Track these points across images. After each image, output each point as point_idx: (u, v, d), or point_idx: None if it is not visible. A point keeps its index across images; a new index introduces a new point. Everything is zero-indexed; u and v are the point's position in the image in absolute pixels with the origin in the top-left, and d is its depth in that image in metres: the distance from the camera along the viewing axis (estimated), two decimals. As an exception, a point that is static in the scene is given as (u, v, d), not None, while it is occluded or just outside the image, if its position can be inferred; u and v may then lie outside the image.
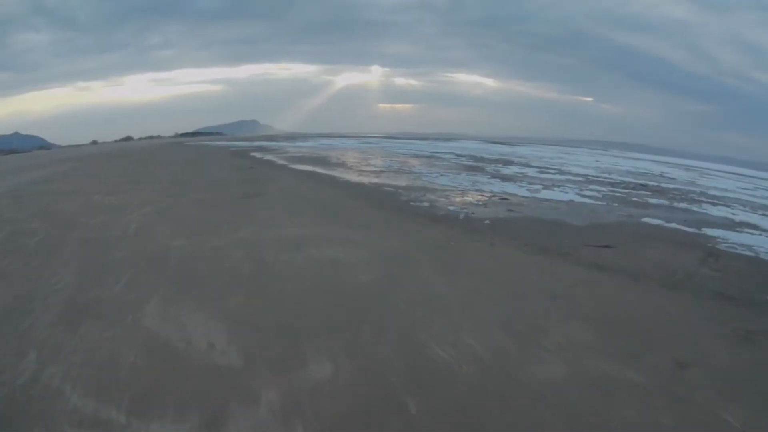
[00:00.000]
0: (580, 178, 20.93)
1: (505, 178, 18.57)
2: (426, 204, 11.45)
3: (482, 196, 13.25)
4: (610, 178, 21.98)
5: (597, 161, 35.05)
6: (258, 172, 17.02)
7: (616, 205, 13.50)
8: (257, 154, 28.24)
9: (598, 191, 16.59)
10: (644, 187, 19.07)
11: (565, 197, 14.19)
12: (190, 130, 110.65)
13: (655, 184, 20.96)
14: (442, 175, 17.93)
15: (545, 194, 14.66)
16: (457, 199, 12.42)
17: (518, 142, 71.10)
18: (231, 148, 37.98)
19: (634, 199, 15.11)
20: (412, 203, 11.53)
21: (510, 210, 11.21)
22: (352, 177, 16.59)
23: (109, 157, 28.80)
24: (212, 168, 19.54)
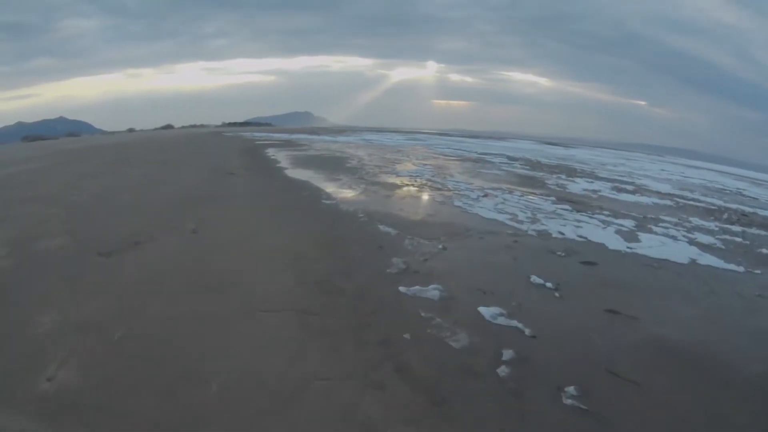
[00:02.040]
0: (668, 202, 15.53)
1: (575, 202, 12.75)
2: (430, 297, 5.28)
3: (550, 254, 7.56)
4: (698, 201, 17.09)
5: (663, 170, 31.80)
6: (231, 182, 12.29)
7: (758, 272, 7.82)
8: (271, 151, 23.80)
9: (708, 230, 11.10)
10: (746, 216, 14.71)
11: (677, 251, 8.35)
12: (241, 120, 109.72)
13: (751, 210, 16.56)
14: (484, 196, 12.40)
15: (646, 242, 8.85)
16: (501, 283, 6.14)
17: (572, 143, 67.30)
18: (256, 141, 34.12)
19: (763, 249, 9.47)
20: (400, 293, 5.33)
21: (612, 311, 5.39)
22: (349, 195, 11.47)
23: (111, 149, 25.49)
24: (192, 168, 15.25)
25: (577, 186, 17.03)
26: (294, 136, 48.15)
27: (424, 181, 14.42)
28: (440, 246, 7.07)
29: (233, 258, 6.12)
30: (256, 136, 47.50)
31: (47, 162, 15.99)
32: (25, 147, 30.66)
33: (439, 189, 13.07)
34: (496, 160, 27.15)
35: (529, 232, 8.54)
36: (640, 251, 8.19)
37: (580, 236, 8.74)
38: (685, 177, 28.29)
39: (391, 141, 46.20)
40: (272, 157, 20.02)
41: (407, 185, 13.44)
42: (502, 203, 11.42)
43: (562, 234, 8.73)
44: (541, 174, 20.51)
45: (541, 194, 13.81)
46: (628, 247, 8.36)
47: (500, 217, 9.54)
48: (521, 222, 9.34)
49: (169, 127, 73.70)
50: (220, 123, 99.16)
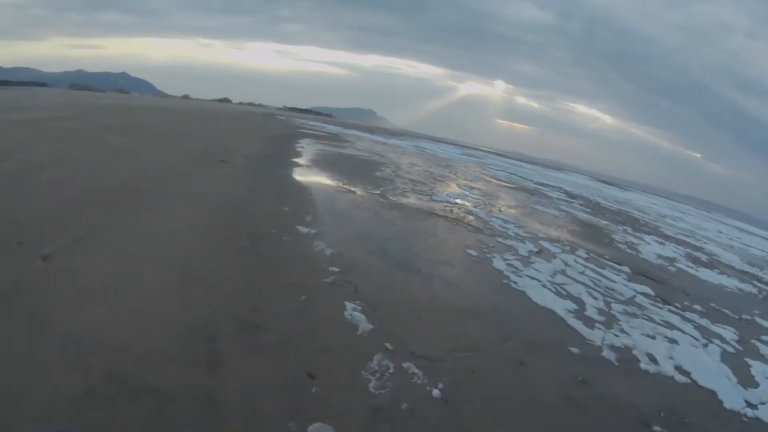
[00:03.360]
0: (751, 288, 11.78)
1: (656, 281, 9.01)
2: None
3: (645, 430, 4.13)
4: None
5: (720, 233, 29.51)
6: (204, 174, 9.18)
7: None
8: (304, 142, 21.13)
9: None
10: None
11: None
12: (304, 106, 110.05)
13: None
14: (538, 252, 8.80)
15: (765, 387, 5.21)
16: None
17: (626, 185, 64.85)
18: (299, 129, 31.84)
19: None
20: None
21: None
22: (345, 220, 8.31)
23: (139, 112, 23.94)
24: (185, 148, 12.81)
25: (649, 249, 13.18)
26: (346, 131, 45.89)
27: (464, 214, 11.01)
28: (438, 393, 3.64)
29: (62, 329, 3.14)
30: (306, 124, 45.79)
31: (41, 114, 14.03)
32: (57, 94, 30.06)
33: (480, 230, 9.61)
34: (554, 194, 23.18)
35: (605, 355, 4.95)
36: (764, 414, 4.55)
37: (679, 368, 5.11)
38: (745, 245, 25.26)
39: (445, 153, 42.72)
40: (297, 150, 17.29)
41: (438, 216, 10.08)
42: (562, 272, 7.81)
43: (654, 361, 5.12)
44: (605, 223, 16.60)
45: (611, 259, 10.07)
46: (747, 403, 4.72)
47: (558, 307, 5.98)
48: (590, 323, 5.75)
49: (226, 100, 73.49)
50: (281, 106, 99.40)
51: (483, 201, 14.03)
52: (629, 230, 16.45)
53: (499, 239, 9.14)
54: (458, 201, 12.80)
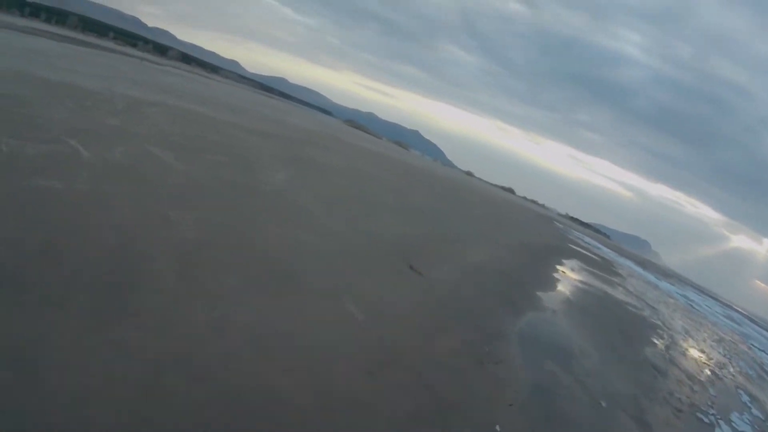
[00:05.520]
0: None
1: None
2: None
3: None
4: None
5: None
6: (386, 285, 7.43)
7: None
8: (567, 265, 19.07)
9: None
10: None
11: None
12: (585, 219, 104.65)
13: None
14: None
15: None
16: None
17: None
18: (569, 244, 29.38)
19: None
20: None
21: None
22: None
23: (416, 175, 26.65)
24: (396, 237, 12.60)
25: None
26: (619, 259, 40.11)
27: None
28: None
29: None
30: (581, 239, 42.49)
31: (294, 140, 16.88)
32: (339, 128, 36.19)
33: None
34: None
35: None
36: None
37: None
38: None
39: (711, 312, 31.98)
40: (553, 275, 15.37)
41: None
42: None
43: None
44: None
45: None
46: None
47: None
48: None
49: (509, 190, 75.82)
50: (563, 213, 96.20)
51: None
52: None
53: None
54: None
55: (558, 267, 17.59)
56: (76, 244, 5.01)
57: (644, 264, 51.50)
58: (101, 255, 4.98)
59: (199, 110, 20.62)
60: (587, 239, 53.01)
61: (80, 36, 68.67)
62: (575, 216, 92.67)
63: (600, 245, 51.01)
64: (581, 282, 16.51)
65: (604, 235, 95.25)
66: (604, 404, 6.56)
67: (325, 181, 14.94)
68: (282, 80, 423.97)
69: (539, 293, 11.48)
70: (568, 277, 16.33)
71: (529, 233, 25.13)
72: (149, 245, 5.56)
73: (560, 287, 13.85)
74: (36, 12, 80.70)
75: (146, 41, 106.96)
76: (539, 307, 10.13)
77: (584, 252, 28.77)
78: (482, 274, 10.81)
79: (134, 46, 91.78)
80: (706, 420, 8.08)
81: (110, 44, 73.41)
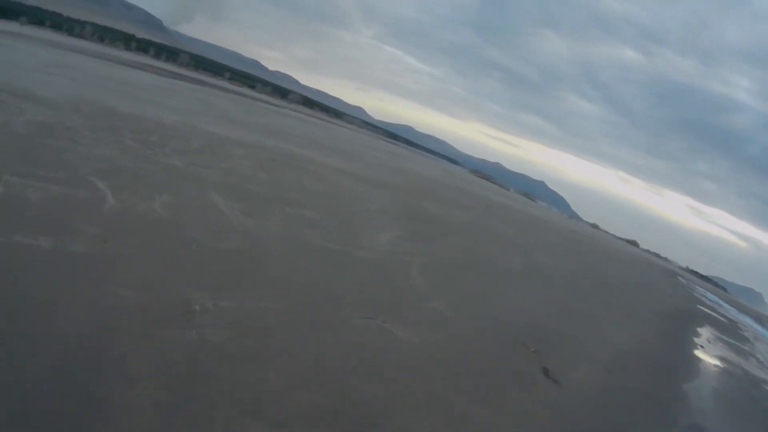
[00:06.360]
0: None
1: None
2: None
3: None
4: None
5: None
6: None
7: None
8: (704, 336, 16.91)
9: None
10: None
11: None
12: (703, 271, 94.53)
13: None
14: None
15: None
16: None
17: None
18: (699, 305, 26.23)
19: None
20: None
21: None
22: None
23: (555, 236, 25.32)
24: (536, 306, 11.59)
25: None
26: (739, 317, 34.76)
27: None
28: None
29: None
30: (705, 297, 37.92)
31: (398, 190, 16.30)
32: (464, 177, 35.20)
33: None
34: None
35: None
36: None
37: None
38: None
39: None
40: (695, 354, 13.51)
41: None
42: None
43: None
44: None
45: None
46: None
47: None
48: None
49: (633, 243, 70.38)
50: (684, 266, 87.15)
51: None
52: None
53: None
54: None
55: (695, 339, 15.72)
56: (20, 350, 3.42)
57: (762, 321, 45.09)
58: (36, 377, 3.27)
59: (301, 153, 18.84)
60: (710, 295, 47.56)
61: (190, 73, 64.39)
62: (695, 269, 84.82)
63: (721, 301, 45.70)
64: (720, 358, 14.46)
65: (722, 288, 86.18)
66: None
67: (440, 243, 12.89)
68: (408, 128, 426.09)
69: (685, 386, 9.85)
70: (707, 353, 14.49)
71: (660, 294, 22.86)
72: (134, 366, 3.65)
73: (703, 371, 12.13)
74: (145, 48, 79.59)
75: (265, 83, 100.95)
76: (689, 409, 8.64)
77: (712, 314, 25.49)
78: (626, 368, 8.95)
79: (252, 87, 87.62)
80: None
81: (224, 83, 68.82)
